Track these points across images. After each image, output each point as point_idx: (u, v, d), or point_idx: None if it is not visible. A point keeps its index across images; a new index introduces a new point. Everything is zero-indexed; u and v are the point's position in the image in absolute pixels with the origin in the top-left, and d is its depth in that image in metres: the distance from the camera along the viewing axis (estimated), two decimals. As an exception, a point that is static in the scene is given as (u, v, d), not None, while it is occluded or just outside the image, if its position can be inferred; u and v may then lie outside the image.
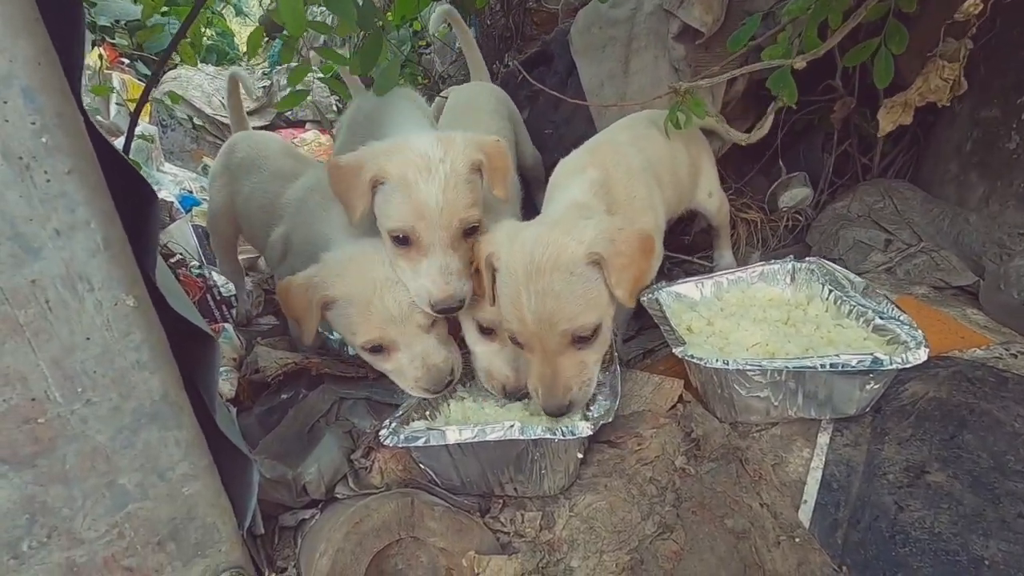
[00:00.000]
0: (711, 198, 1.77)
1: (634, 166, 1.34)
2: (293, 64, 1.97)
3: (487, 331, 1.22)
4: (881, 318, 1.11)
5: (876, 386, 1.03)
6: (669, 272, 2.07)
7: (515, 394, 1.20)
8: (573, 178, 1.27)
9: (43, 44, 0.60)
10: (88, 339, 0.72)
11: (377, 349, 1.18)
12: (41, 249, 0.65)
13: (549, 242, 1.01)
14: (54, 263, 0.66)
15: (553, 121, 2.20)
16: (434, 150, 1.11)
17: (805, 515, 0.94)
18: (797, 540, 0.90)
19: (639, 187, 1.31)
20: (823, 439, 1.05)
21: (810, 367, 0.99)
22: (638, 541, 0.94)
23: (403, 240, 1.13)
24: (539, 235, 1.03)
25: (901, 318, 1.07)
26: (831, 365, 0.98)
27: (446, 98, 1.99)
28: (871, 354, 0.97)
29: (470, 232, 1.15)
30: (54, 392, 0.72)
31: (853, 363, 0.97)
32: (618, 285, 1.01)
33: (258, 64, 5.20)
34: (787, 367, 1.00)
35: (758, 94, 2.06)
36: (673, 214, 1.66)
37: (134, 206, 0.79)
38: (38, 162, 0.62)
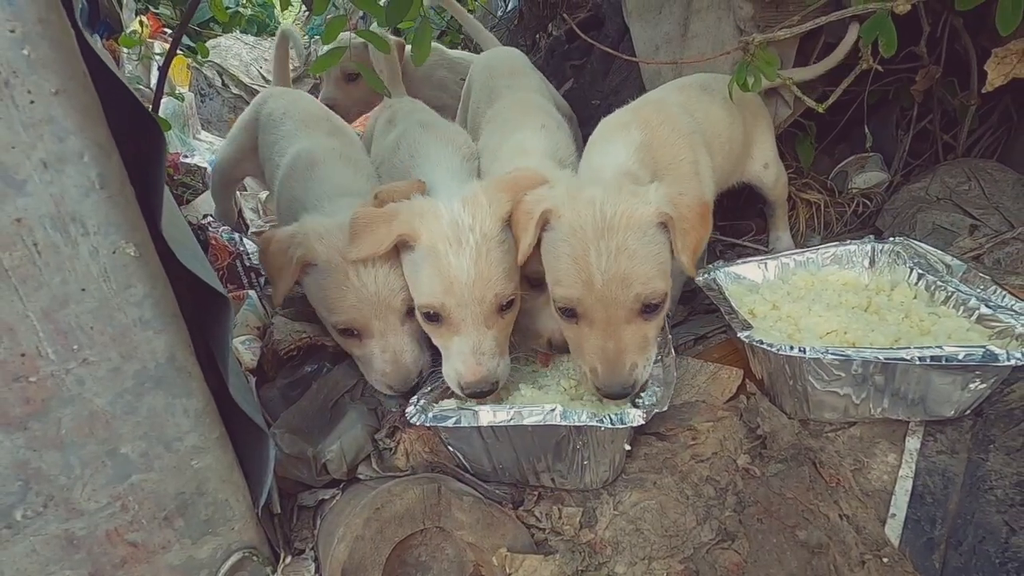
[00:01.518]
0: (767, 169, 1.63)
1: (681, 128, 1.24)
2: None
3: (535, 284, 1.13)
4: (988, 306, 0.95)
5: (982, 386, 0.87)
6: (722, 254, 1.92)
7: (561, 348, 1.13)
8: (615, 136, 1.19)
9: (21, -66, 0.51)
10: (83, 290, 0.64)
11: (349, 332, 1.13)
12: (26, 183, 0.57)
13: (619, 201, 0.95)
14: (41, 200, 0.58)
15: (601, 91, 2.06)
16: (463, 215, 1.04)
17: (893, 531, 0.81)
18: (885, 560, 0.76)
19: (685, 150, 1.22)
20: (912, 443, 0.91)
21: (906, 360, 0.84)
22: (693, 549, 0.82)
23: (433, 317, 1.06)
24: (606, 194, 0.96)
25: (1016, 307, 0.91)
26: (932, 359, 0.83)
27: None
28: (982, 347, 0.82)
29: (507, 307, 1.07)
30: (46, 348, 0.64)
31: (960, 356, 0.82)
32: (683, 248, 0.95)
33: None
34: (877, 358, 0.86)
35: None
36: (724, 185, 1.54)
37: (139, 145, 0.70)
38: (19, 78, 0.53)
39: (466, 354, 1.02)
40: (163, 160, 0.74)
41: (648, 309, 0.95)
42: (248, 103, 3.66)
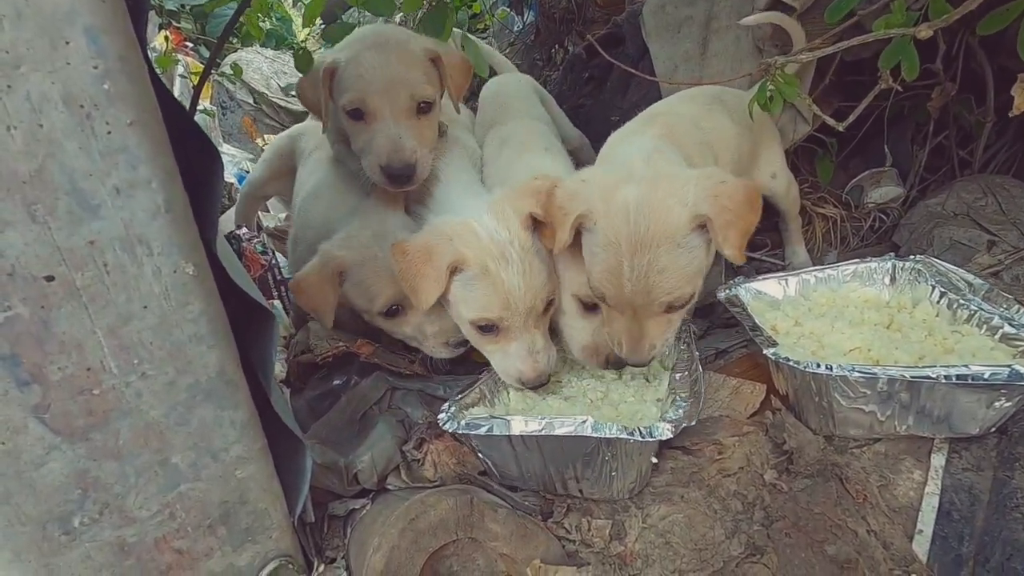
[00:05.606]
0: (775, 180, 1.64)
1: (691, 139, 1.27)
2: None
3: (590, 307, 1.18)
4: (1011, 325, 0.96)
5: (1007, 404, 0.89)
6: (739, 269, 1.93)
7: (618, 364, 1.17)
8: (632, 135, 1.22)
9: (109, -21, 0.55)
10: (145, 307, 0.67)
11: (487, 329, 1.13)
12: (100, 208, 0.60)
13: (652, 209, 0.96)
14: (113, 224, 0.62)
15: (620, 108, 2.09)
16: (499, 231, 1.10)
17: (921, 547, 0.82)
18: (914, 576, 0.78)
19: (697, 157, 1.24)
20: (938, 460, 0.92)
21: (931, 378, 0.86)
22: (723, 562, 0.84)
23: (489, 328, 1.13)
24: (640, 199, 0.97)
25: (1040, 326, 0.93)
26: (957, 377, 0.85)
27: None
28: (1008, 366, 0.83)
29: (549, 306, 1.16)
30: (110, 363, 0.68)
31: (985, 375, 0.83)
32: (726, 243, 0.96)
33: (315, 50, 5.26)
34: (903, 376, 0.87)
35: (842, 81, 1.90)
36: None
37: (196, 167, 0.74)
38: (99, 111, 0.57)
39: (524, 355, 1.11)
40: (219, 182, 0.77)
41: (672, 309, 1.03)
42: (267, 115, 3.75)
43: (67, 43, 0.54)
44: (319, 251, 1.28)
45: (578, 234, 1.07)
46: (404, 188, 1.34)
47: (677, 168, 1.07)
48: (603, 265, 1.01)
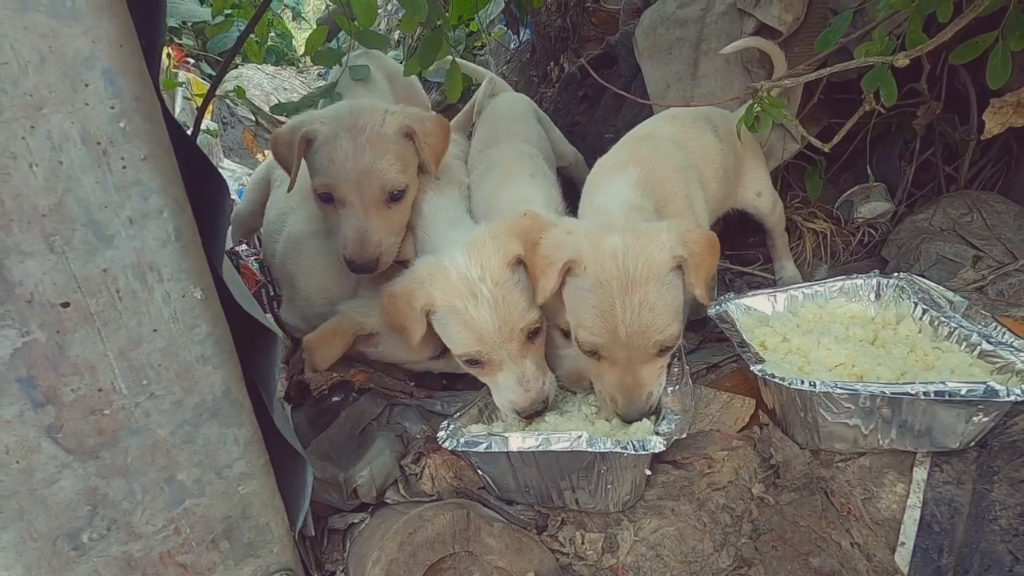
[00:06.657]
0: (760, 198, 1.69)
1: (675, 163, 1.31)
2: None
3: (568, 333, 1.19)
4: (989, 342, 1.00)
5: (985, 419, 0.92)
6: (731, 283, 1.97)
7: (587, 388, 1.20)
8: (614, 176, 1.26)
9: (126, 25, 0.59)
10: (155, 331, 0.70)
11: (474, 363, 1.17)
12: (114, 237, 0.64)
13: (639, 252, 1.01)
14: (126, 252, 0.65)
15: (614, 125, 2.14)
16: (470, 268, 1.12)
17: (903, 559, 0.85)
18: (895, 587, 0.80)
19: (679, 185, 1.29)
20: (920, 474, 0.95)
21: (911, 394, 0.89)
22: (711, 574, 0.86)
23: (474, 362, 1.16)
24: (627, 244, 1.02)
25: (1015, 344, 0.96)
26: (936, 393, 0.88)
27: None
28: (984, 383, 0.87)
29: (535, 334, 1.17)
30: (120, 384, 0.70)
31: (962, 392, 0.87)
32: (696, 284, 1.02)
33: (314, 66, 5.32)
34: (884, 392, 0.91)
35: (830, 99, 1.95)
36: (719, 212, 1.62)
37: (203, 196, 0.77)
38: (115, 148, 0.60)
39: (513, 386, 1.13)
40: (226, 208, 0.80)
41: (664, 349, 1.05)
42: (267, 131, 3.79)
43: (86, 85, 0.58)
44: (340, 311, 1.32)
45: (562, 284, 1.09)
46: (367, 274, 1.36)
47: (650, 223, 1.10)
48: (594, 310, 1.02)
